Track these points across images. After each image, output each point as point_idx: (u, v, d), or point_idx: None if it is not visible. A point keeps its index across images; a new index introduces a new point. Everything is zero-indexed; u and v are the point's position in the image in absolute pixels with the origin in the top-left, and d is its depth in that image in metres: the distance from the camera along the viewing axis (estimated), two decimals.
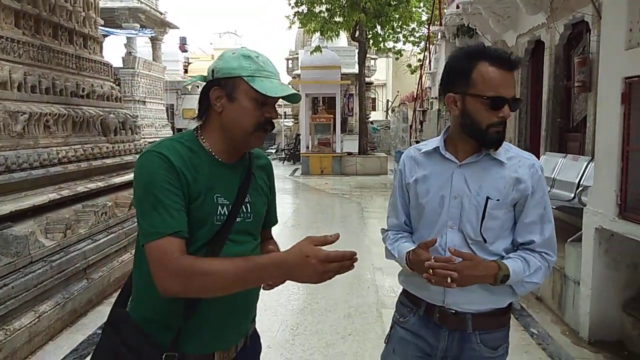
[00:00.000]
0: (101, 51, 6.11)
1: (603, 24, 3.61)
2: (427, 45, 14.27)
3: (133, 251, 1.55)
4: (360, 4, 14.13)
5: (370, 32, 16.13)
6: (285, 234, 7.32)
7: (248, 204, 1.42)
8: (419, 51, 19.17)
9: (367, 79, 20.59)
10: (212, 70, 1.38)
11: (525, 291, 1.59)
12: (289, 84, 23.75)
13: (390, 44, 18.37)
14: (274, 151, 23.47)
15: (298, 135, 19.06)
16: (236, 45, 59.37)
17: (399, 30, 16.77)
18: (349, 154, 16.52)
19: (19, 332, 3.32)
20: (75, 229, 4.35)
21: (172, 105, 25.17)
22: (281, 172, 17.04)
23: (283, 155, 21.12)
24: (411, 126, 15.46)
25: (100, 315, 4.10)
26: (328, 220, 8.90)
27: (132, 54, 19.29)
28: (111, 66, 6.27)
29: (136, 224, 1.34)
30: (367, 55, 18.19)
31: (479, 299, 1.57)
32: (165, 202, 1.26)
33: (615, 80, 3.34)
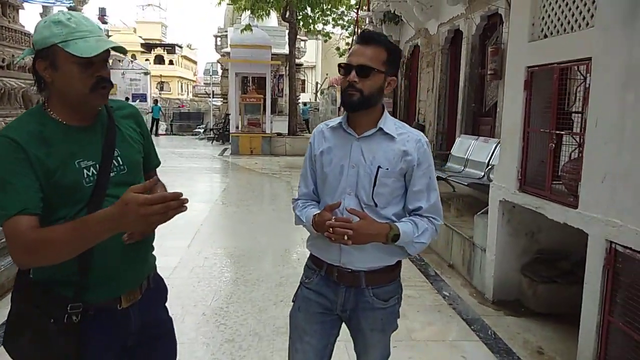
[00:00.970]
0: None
1: (510, 18, 4.02)
2: (355, 29, 14.59)
3: None
4: None
5: (301, 14, 16.21)
6: (216, 212, 7.40)
7: (119, 157, 1.47)
8: (348, 35, 19.51)
9: (297, 61, 20.66)
10: (33, 45, 1.40)
11: (415, 251, 1.79)
12: (217, 61, 23.33)
13: (320, 26, 18.56)
14: (202, 130, 23.07)
15: (227, 115, 18.85)
16: (160, 19, 56.94)
17: (328, 12, 16.96)
18: (279, 134, 16.64)
19: None
20: None
21: None
22: (210, 151, 16.86)
23: (212, 135, 20.83)
24: (339, 108, 15.82)
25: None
26: (258, 198, 9.04)
27: None
28: (32, 36, 5.99)
29: None
30: (297, 37, 18.26)
31: (371, 258, 1.77)
32: (12, 182, 1.29)
33: (519, 69, 3.75)
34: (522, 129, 3.73)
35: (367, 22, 12.79)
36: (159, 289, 1.71)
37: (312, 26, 16.91)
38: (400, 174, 1.76)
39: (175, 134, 24.22)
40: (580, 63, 3.09)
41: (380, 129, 1.77)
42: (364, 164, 1.75)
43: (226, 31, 22.37)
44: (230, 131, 16.65)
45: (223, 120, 20.43)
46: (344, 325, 1.94)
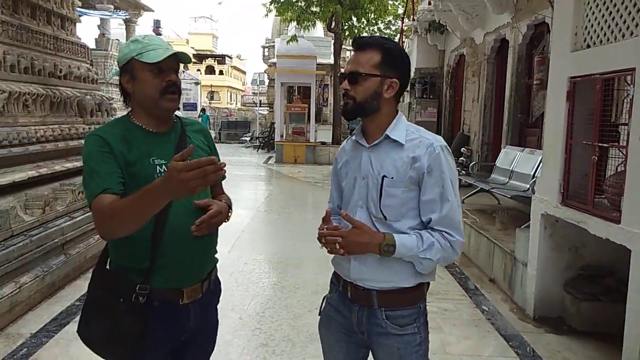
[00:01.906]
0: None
1: (554, 28, 3.94)
2: (400, 39, 14.55)
3: None
4: None
5: (346, 24, 16.34)
6: (257, 219, 7.55)
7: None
8: None
9: (342, 70, 20.82)
10: (118, 64, 1.67)
11: (424, 269, 1.62)
12: (264, 71, 23.81)
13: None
14: (248, 139, 23.54)
15: (273, 123, 19.18)
16: (212, 30, 58.63)
17: (374, 22, 17.02)
18: (323, 143, 16.77)
19: (1, 301, 3.48)
20: (53, 206, 4.49)
21: None
22: (255, 159, 17.19)
23: (257, 143, 21.22)
24: None
25: (78, 289, 4.27)
26: (299, 206, 9.15)
27: (105, 36, 19.04)
28: (88, 48, 6.33)
29: None
30: (343, 47, 18.39)
31: (381, 276, 1.64)
32: (98, 170, 1.54)
33: (562, 79, 3.67)
34: (564, 140, 3.64)
35: (412, 31, 12.74)
36: (216, 292, 1.86)
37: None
38: (412, 183, 1.62)
39: (223, 142, 24.82)
40: (623, 73, 3.00)
41: (387, 136, 1.66)
42: (372, 174, 1.66)
43: (273, 42, 22.83)
44: (275, 139, 16.93)
45: (268, 129, 20.79)
46: None
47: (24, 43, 4.86)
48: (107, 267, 1.69)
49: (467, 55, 9.70)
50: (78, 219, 4.70)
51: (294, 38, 15.61)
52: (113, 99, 7.54)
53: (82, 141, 5.24)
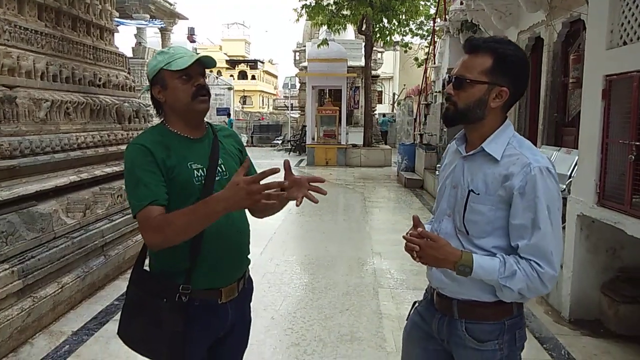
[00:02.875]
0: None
1: (588, 25, 3.86)
2: (432, 39, 14.43)
3: None
4: None
5: (377, 26, 16.30)
6: (289, 221, 7.63)
7: (222, 165, 1.74)
8: (427, 45, 19.31)
9: (373, 72, 20.76)
10: (147, 77, 1.76)
11: (505, 297, 1.52)
12: (296, 75, 23.99)
13: (397, 38, 18.54)
14: (280, 142, 23.75)
15: (304, 126, 19.30)
16: (244, 36, 59.43)
17: (405, 23, 16.92)
18: (354, 145, 16.77)
19: (45, 300, 3.64)
20: (93, 209, 4.67)
21: None
22: None
23: (289, 146, 21.39)
24: (415, 119, 15.65)
25: (117, 289, 4.43)
26: (332, 209, 9.18)
27: (141, 44, 19.59)
28: (125, 57, 6.56)
29: None
30: (374, 49, 18.35)
31: (459, 288, 1.59)
32: (144, 180, 1.60)
33: (597, 77, 3.59)
34: (600, 139, 3.56)
35: (444, 32, 12.62)
36: (250, 290, 1.94)
37: (388, 38, 16.94)
38: (501, 202, 1.51)
39: (255, 146, 25.12)
40: None
41: (482, 148, 1.55)
42: (462, 185, 1.59)
43: (304, 46, 22.96)
44: (307, 142, 17.03)
45: (300, 132, 20.92)
46: None
47: (65, 54, 5.08)
48: (147, 268, 1.77)
49: None
50: (117, 221, 4.86)
51: (324, 42, 15.69)
52: (150, 105, 7.77)
53: (121, 147, 5.48)
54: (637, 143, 3.14)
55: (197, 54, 1.74)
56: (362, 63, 18.31)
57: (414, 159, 12.74)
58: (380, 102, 32.46)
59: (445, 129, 11.06)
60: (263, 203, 1.46)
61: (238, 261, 1.81)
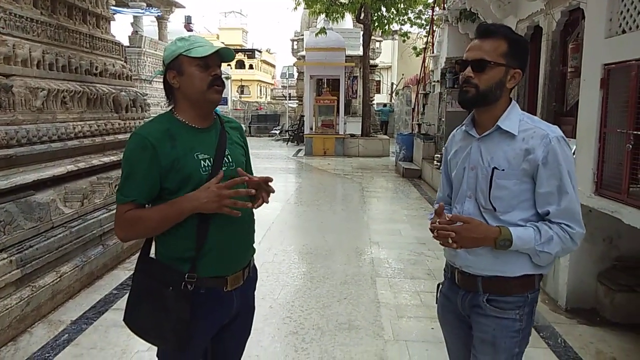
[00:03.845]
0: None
1: (587, 14, 3.84)
2: (431, 28, 14.34)
3: None
4: None
5: (376, 14, 16.19)
6: (287, 211, 7.63)
7: (229, 156, 1.76)
8: (425, 34, 19.19)
9: (372, 62, 20.68)
10: (163, 61, 1.76)
11: (542, 261, 1.61)
12: (293, 64, 23.88)
13: (395, 27, 18.42)
14: (278, 132, 23.69)
15: (302, 116, 19.25)
16: (241, 25, 59.08)
17: (404, 12, 16.80)
18: (352, 135, 16.74)
19: (43, 289, 3.65)
20: (91, 199, 4.67)
21: None
22: (285, 152, 17.31)
23: (287, 136, 21.34)
24: (414, 109, 15.60)
25: (116, 278, 4.44)
26: (329, 198, 9.18)
27: (138, 33, 19.43)
28: (122, 45, 6.50)
29: None
30: (373, 38, 18.25)
31: (486, 264, 1.65)
32: (133, 175, 1.64)
33: (595, 66, 3.58)
34: (598, 129, 3.56)
35: (443, 20, 12.54)
36: (254, 278, 1.99)
37: (387, 27, 16.84)
38: (525, 175, 1.60)
39: (253, 136, 25.08)
40: None
41: (498, 127, 1.64)
42: (482, 165, 1.66)
43: (302, 35, 22.84)
44: (305, 132, 16.99)
45: (298, 122, 20.87)
46: None
47: (62, 42, 5.03)
48: (153, 256, 1.77)
49: None
50: (115, 211, 4.85)
51: (322, 30, 15.59)
52: (147, 94, 7.73)
53: (118, 136, 5.44)
54: (635, 132, 3.14)
55: (214, 46, 1.74)
56: (360, 52, 18.24)
57: (412, 148, 12.74)
58: (378, 91, 32.33)
59: (443, 119, 11.04)
60: (228, 210, 1.56)
61: (243, 249, 1.83)
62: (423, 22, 19.34)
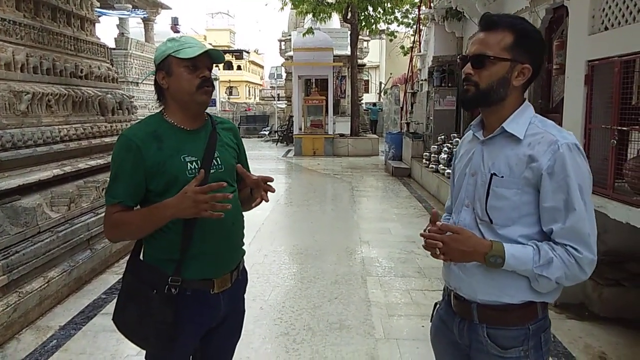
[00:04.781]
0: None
1: (570, 11, 3.88)
2: (418, 27, 14.40)
3: None
4: None
5: (363, 14, 16.22)
6: (277, 211, 7.61)
7: (218, 158, 1.74)
8: (412, 33, 19.26)
9: (360, 61, 20.72)
10: (154, 62, 1.75)
11: (541, 288, 1.40)
12: (282, 65, 23.85)
13: (382, 26, 18.47)
14: (267, 133, 23.65)
15: (291, 117, 19.24)
16: (229, 25, 58.91)
17: (390, 11, 16.86)
18: (341, 135, 16.76)
19: (31, 295, 3.61)
20: (78, 203, 4.62)
21: None
22: (274, 153, 17.28)
23: (276, 137, 21.31)
24: (402, 108, 15.66)
25: (104, 282, 4.40)
26: (319, 198, 9.18)
27: (124, 35, 19.28)
28: (107, 47, 6.46)
29: None
30: (360, 37, 18.28)
31: (480, 287, 1.47)
32: (120, 177, 1.66)
33: (579, 63, 3.62)
34: (583, 125, 3.60)
35: (429, 19, 12.60)
36: (244, 281, 1.96)
37: (374, 26, 16.88)
38: (527, 184, 1.40)
39: (242, 137, 24.85)
40: None
41: (503, 129, 1.45)
42: (482, 171, 1.48)
43: (290, 35, 22.81)
44: (294, 133, 16.98)
45: (287, 122, 20.85)
46: None
47: (46, 45, 4.98)
48: (141, 257, 1.77)
49: None
50: (102, 214, 4.80)
51: (309, 30, 15.59)
52: (133, 96, 7.67)
53: (105, 139, 5.39)
54: (619, 128, 3.18)
55: (204, 47, 1.72)
56: (348, 52, 18.28)
57: (401, 147, 12.78)
58: (367, 91, 32.43)
59: (432, 117, 11.09)
60: (208, 214, 1.55)
61: (231, 252, 1.81)
62: (410, 21, 19.43)
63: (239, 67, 52.25)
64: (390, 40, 21.11)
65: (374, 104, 26.71)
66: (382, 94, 29.54)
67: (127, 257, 1.81)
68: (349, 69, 18.80)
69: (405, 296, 4.20)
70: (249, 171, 1.92)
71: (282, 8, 15.92)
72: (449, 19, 11.13)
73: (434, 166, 9.29)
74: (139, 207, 1.71)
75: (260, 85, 56.81)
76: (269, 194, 1.79)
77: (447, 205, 1.76)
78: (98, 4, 6.55)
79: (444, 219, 1.71)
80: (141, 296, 1.67)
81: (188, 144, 1.70)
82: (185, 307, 1.68)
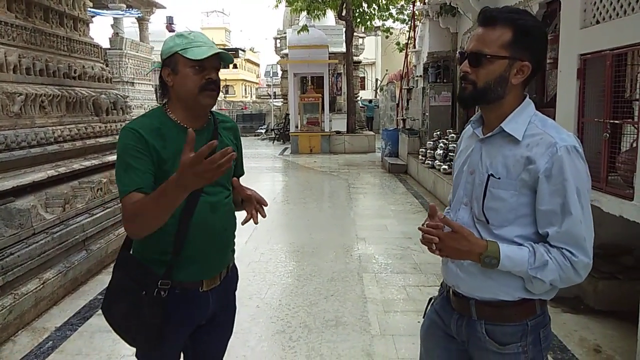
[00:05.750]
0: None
1: (563, 5, 3.88)
2: (413, 23, 14.39)
3: None
4: None
5: (357, 11, 16.21)
6: (274, 209, 7.62)
7: None
8: (407, 29, 19.23)
9: (355, 58, 20.68)
10: (161, 55, 1.70)
11: (535, 289, 1.41)
12: (277, 63, 23.80)
13: (378, 23, 18.45)
14: (263, 131, 23.62)
15: (287, 115, 19.22)
16: (224, 24, 58.81)
17: (385, 8, 16.84)
18: (338, 132, 16.75)
19: (26, 296, 3.60)
20: (73, 204, 4.61)
21: None
22: (271, 151, 17.27)
23: (273, 135, 21.29)
24: (398, 104, 15.65)
25: (100, 283, 4.39)
26: (316, 196, 9.19)
27: (119, 35, 19.21)
28: (101, 47, 6.43)
29: None
30: (355, 34, 18.26)
31: (477, 285, 1.48)
32: (133, 165, 1.56)
33: (572, 57, 3.62)
34: (576, 119, 3.60)
35: (424, 15, 12.59)
36: (234, 277, 1.94)
37: (369, 23, 16.86)
38: (524, 186, 1.39)
39: None
40: (635, 48, 2.95)
41: (501, 129, 1.43)
42: (480, 170, 1.47)
43: (285, 33, 22.75)
44: (290, 130, 16.97)
45: (283, 120, 20.84)
46: None
47: (38, 46, 4.96)
48: (131, 252, 1.75)
49: None
50: (98, 215, 4.81)
51: (304, 28, 15.57)
52: (127, 96, 7.65)
53: (99, 139, 5.37)
54: (612, 121, 3.18)
55: (214, 47, 1.67)
56: (344, 49, 18.24)
57: (397, 144, 12.78)
58: (363, 88, 32.36)
59: (427, 113, 11.09)
60: (220, 173, 1.35)
61: (222, 256, 1.81)
62: (405, 17, 19.41)
63: (235, 66, 52.06)
64: (386, 37, 21.08)
65: (370, 101, 26.69)
66: (378, 90, 29.52)
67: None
68: (345, 66, 18.77)
69: (402, 292, 4.21)
70: (242, 169, 1.94)
71: (277, 6, 15.91)
72: (444, 14, 11.13)
73: (430, 162, 9.29)
74: None
75: (257, 83, 56.71)
76: (259, 217, 1.80)
77: (450, 199, 1.73)
78: (91, 4, 6.53)
79: (446, 212, 1.68)
80: (130, 295, 1.65)
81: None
82: (174, 305, 1.67)
